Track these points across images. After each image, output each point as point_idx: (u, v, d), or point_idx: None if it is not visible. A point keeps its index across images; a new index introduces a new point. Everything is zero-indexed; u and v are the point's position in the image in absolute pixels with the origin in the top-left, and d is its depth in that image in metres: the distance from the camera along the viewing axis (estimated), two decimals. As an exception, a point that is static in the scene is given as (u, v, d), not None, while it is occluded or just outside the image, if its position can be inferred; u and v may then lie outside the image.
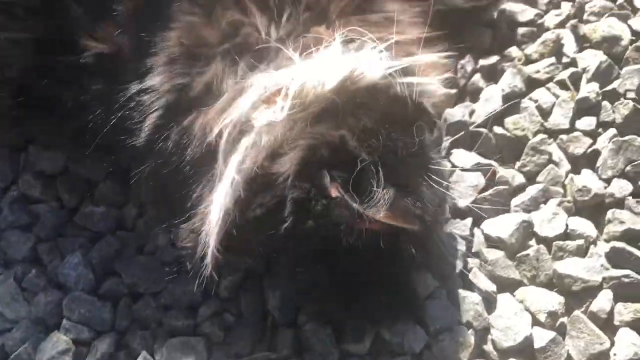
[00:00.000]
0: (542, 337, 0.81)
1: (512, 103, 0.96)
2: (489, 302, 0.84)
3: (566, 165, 0.94)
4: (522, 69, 0.99)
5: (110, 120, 0.75)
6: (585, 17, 1.04)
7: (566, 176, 0.93)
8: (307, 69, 0.73)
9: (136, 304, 0.86)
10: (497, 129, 0.95)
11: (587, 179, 0.91)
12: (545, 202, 0.91)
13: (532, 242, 0.88)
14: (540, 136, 0.94)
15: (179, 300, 0.85)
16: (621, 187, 0.90)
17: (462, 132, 0.94)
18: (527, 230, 0.88)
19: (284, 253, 0.73)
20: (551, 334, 0.81)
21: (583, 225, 0.88)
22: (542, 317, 0.83)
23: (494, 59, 1.00)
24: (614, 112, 0.95)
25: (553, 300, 0.84)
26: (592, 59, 0.99)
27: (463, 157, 0.93)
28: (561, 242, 0.87)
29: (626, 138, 0.92)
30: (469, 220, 0.89)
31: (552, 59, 1.00)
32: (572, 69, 0.99)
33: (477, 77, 1.00)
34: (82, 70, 0.77)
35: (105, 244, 0.89)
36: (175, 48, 0.73)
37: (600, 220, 0.89)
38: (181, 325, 0.84)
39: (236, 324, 0.84)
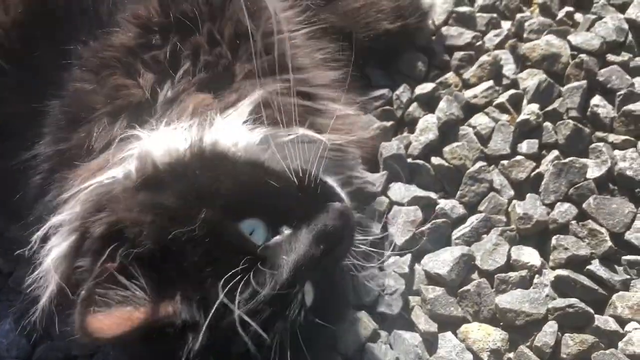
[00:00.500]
0: (485, 378, 0.78)
1: (449, 131, 0.94)
2: (430, 343, 0.82)
3: (509, 192, 0.91)
4: (459, 94, 0.97)
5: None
6: (525, 35, 1.02)
7: (509, 203, 0.90)
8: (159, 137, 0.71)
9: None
10: (435, 160, 0.93)
11: (530, 205, 0.88)
12: (487, 232, 0.88)
13: (475, 275, 0.85)
14: (480, 164, 0.92)
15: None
16: (564, 212, 0.87)
17: (399, 165, 0.92)
18: (467, 264, 0.86)
19: None
20: (494, 374, 0.78)
21: (527, 255, 0.86)
22: (484, 356, 0.80)
23: (430, 86, 0.98)
24: (555, 132, 0.93)
25: (496, 337, 0.81)
26: (532, 79, 0.97)
27: (400, 192, 0.91)
28: (503, 275, 0.84)
29: (567, 160, 0.89)
30: (407, 257, 0.87)
31: (491, 82, 0.98)
32: (512, 91, 0.97)
33: (413, 107, 0.98)
34: None
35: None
36: (61, 116, 0.73)
37: (545, 248, 0.87)
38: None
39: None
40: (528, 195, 0.90)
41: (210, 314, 0.58)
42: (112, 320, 0.58)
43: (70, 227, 0.68)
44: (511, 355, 0.81)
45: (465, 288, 0.84)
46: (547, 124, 0.94)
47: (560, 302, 0.81)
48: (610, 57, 0.96)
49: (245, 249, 0.61)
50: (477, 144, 0.94)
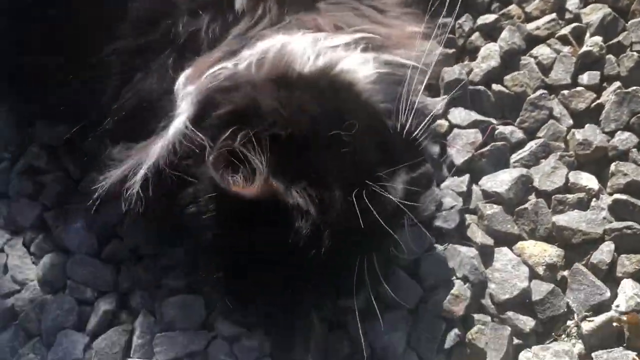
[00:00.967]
0: (540, 290, 0.80)
1: (511, 60, 0.95)
2: (486, 256, 0.83)
3: (568, 121, 0.92)
4: (522, 26, 0.98)
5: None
6: (590, -30, 1.01)
7: (568, 131, 0.91)
8: (296, 41, 0.75)
9: (137, 265, 0.88)
10: (496, 87, 0.94)
11: (590, 133, 0.89)
12: (545, 157, 0.89)
13: (532, 196, 0.87)
14: (540, 91, 0.92)
15: (177, 262, 0.87)
16: (625, 140, 0.87)
17: (460, 91, 0.93)
18: (526, 185, 0.87)
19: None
20: (549, 286, 0.80)
21: (585, 179, 0.86)
22: (540, 270, 0.81)
23: (492, 17, 0.99)
24: (618, 65, 0.93)
25: (552, 253, 0.82)
26: (595, 14, 0.97)
27: (460, 115, 0.92)
28: (561, 196, 0.85)
29: (630, 89, 0.89)
30: (465, 177, 0.88)
31: (554, 15, 0.98)
32: (574, 24, 0.97)
33: (475, 36, 0.99)
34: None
35: (108, 209, 0.91)
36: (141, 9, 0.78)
37: (603, 174, 0.87)
38: (179, 285, 0.85)
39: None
40: (587, 125, 0.91)
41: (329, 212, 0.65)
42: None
43: (195, 98, 0.71)
44: (566, 273, 0.82)
45: (522, 207, 0.85)
46: (610, 57, 0.93)
47: (618, 224, 0.82)
48: (678, -9, 0.95)
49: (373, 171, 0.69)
50: (539, 73, 0.94)
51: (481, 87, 0.94)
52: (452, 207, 0.86)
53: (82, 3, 0.80)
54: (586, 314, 0.78)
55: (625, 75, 0.92)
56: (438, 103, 0.92)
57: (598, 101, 0.92)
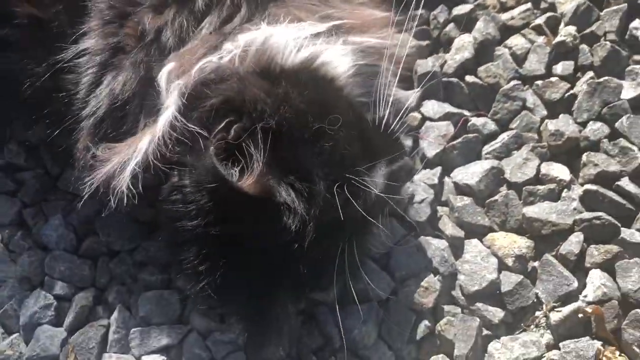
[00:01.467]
0: (509, 281, 0.81)
1: (485, 51, 0.95)
2: (456, 248, 0.84)
3: (542, 111, 0.92)
4: (497, 16, 0.98)
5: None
6: (566, -42, 1.00)
7: (542, 122, 0.91)
8: (278, 34, 0.76)
9: (113, 261, 0.89)
10: (469, 78, 0.94)
11: (562, 123, 0.89)
12: (517, 149, 0.90)
13: (503, 188, 0.87)
14: (514, 82, 0.92)
15: (153, 257, 0.88)
16: (596, 130, 0.88)
17: (433, 83, 0.93)
18: (497, 177, 0.87)
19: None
20: (518, 278, 0.81)
21: (556, 170, 0.87)
22: (510, 262, 0.82)
23: (467, 7, 0.99)
24: (592, 55, 0.93)
25: (522, 245, 0.83)
26: (570, 3, 0.96)
27: (433, 108, 0.93)
28: (532, 187, 0.86)
29: (602, 80, 0.89)
30: (437, 170, 0.89)
31: (529, 5, 0.98)
32: (549, 14, 0.97)
33: (450, 27, 0.99)
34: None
35: (86, 206, 0.92)
36: (107, 11, 0.78)
37: (575, 165, 0.87)
38: (155, 280, 0.87)
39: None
40: (561, 115, 0.91)
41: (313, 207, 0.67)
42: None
43: (183, 91, 0.71)
44: (536, 264, 0.82)
45: (493, 198, 0.86)
46: (584, 46, 0.93)
47: (587, 214, 0.82)
48: (653, -21, 0.95)
49: (355, 165, 0.70)
50: (513, 63, 0.94)
51: (454, 79, 0.94)
52: (423, 200, 0.86)
53: (46, 4, 0.80)
54: (554, 304, 0.79)
55: (598, 65, 0.92)
56: (411, 96, 0.92)
57: (572, 91, 0.92)
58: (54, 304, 0.87)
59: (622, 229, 0.81)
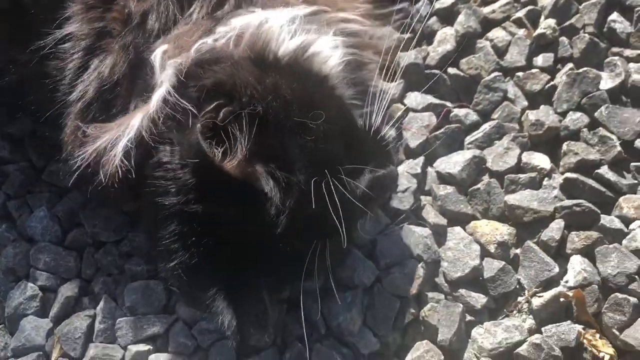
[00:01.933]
0: (491, 267, 0.82)
1: (466, 43, 0.96)
2: (439, 236, 0.85)
3: (523, 102, 0.93)
4: (478, 9, 0.99)
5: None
6: (543, -47, 1.02)
7: (522, 113, 0.93)
8: (273, 19, 0.77)
9: (98, 252, 0.89)
10: (452, 70, 0.96)
11: (543, 114, 0.90)
12: (499, 139, 0.91)
13: (485, 177, 0.88)
14: (495, 74, 0.94)
15: (138, 247, 0.88)
16: (576, 120, 0.89)
17: (416, 75, 0.95)
18: (479, 166, 0.88)
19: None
20: (501, 264, 0.82)
21: (537, 159, 0.88)
22: (492, 248, 0.83)
23: (449, 1, 1.00)
24: (571, 46, 0.95)
25: (504, 232, 0.84)
26: (550, -4, 0.98)
27: (416, 99, 0.94)
28: (513, 175, 0.87)
29: (580, 70, 0.91)
30: (420, 159, 0.90)
31: (509, -1, 1.00)
32: (529, 7, 0.99)
33: (432, 21, 1.00)
34: None
35: (71, 198, 0.93)
36: None
37: (556, 154, 0.89)
38: (141, 270, 0.87)
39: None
40: (541, 106, 0.92)
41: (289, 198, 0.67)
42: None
43: (177, 69, 0.71)
44: (518, 250, 0.84)
45: (475, 187, 0.87)
46: (563, 39, 0.95)
47: (568, 202, 0.84)
48: (630, -27, 0.97)
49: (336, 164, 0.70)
50: (494, 56, 0.96)
51: (437, 71, 0.95)
52: (406, 189, 0.87)
53: None
54: (536, 289, 0.80)
55: (578, 56, 0.94)
56: (394, 87, 0.93)
57: (552, 83, 0.94)
58: (39, 295, 0.87)
59: (602, 215, 0.82)
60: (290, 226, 0.69)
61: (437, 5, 1.00)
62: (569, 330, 0.76)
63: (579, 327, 0.76)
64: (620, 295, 0.77)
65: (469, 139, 0.91)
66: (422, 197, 0.88)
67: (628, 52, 0.93)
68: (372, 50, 0.92)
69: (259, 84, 0.70)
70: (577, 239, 0.82)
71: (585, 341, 0.76)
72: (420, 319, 0.81)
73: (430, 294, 0.82)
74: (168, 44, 0.74)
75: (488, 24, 0.99)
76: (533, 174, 0.87)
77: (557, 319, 0.78)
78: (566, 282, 0.80)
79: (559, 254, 0.82)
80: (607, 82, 0.90)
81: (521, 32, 0.97)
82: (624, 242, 0.81)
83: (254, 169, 0.68)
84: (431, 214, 0.86)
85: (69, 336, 0.84)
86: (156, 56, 0.73)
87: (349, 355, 0.80)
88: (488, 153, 0.89)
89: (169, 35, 0.76)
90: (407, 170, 0.89)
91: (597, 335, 0.76)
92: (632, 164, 0.86)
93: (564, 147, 0.88)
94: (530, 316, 0.80)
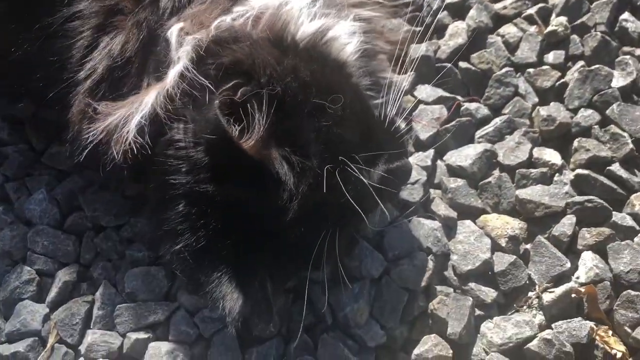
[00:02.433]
0: (502, 262, 0.80)
1: (478, 38, 0.96)
2: (449, 229, 0.83)
3: (533, 98, 0.93)
4: (489, 5, 0.99)
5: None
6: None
7: (533, 108, 0.92)
8: (293, 1, 0.76)
9: (98, 236, 0.87)
10: (463, 64, 0.95)
11: (554, 110, 0.90)
12: (510, 133, 0.90)
13: (495, 171, 0.87)
14: (506, 69, 0.93)
15: (140, 233, 0.86)
16: (587, 116, 0.89)
17: (427, 67, 0.94)
18: (490, 159, 0.87)
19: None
20: (511, 258, 0.80)
21: (548, 154, 0.87)
22: (503, 242, 0.82)
23: (460, -4, 0.99)
24: (582, 45, 0.94)
25: (515, 226, 0.83)
26: (562, -5, 0.98)
27: (426, 92, 0.93)
28: (525, 170, 0.86)
29: (592, 67, 0.90)
30: (430, 152, 0.88)
31: (521, -5, 0.99)
32: (540, 5, 0.98)
33: (443, 14, 0.99)
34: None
35: (71, 181, 0.90)
36: None
37: (566, 150, 0.88)
38: (142, 256, 0.84)
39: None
40: (552, 102, 0.92)
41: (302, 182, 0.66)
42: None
43: (196, 46, 0.69)
44: (528, 245, 0.82)
45: (486, 181, 0.86)
46: (574, 37, 0.95)
47: (579, 198, 0.83)
48: (642, -27, 0.97)
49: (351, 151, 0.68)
50: (505, 51, 0.95)
51: (447, 64, 0.94)
52: (416, 181, 0.86)
53: None
54: (547, 285, 0.79)
55: (589, 54, 0.93)
56: (405, 79, 0.92)
57: (563, 80, 0.93)
58: (36, 279, 0.84)
59: (613, 212, 0.81)
60: (302, 213, 0.67)
61: (447, 0, 0.99)
62: (580, 326, 0.75)
63: (591, 324, 0.75)
64: (633, 293, 0.76)
65: (479, 132, 0.90)
66: (432, 190, 0.87)
67: (639, 52, 0.93)
68: (384, 39, 0.91)
69: (278, 64, 0.69)
70: (588, 235, 0.81)
71: (597, 338, 0.75)
72: (428, 312, 0.79)
73: (439, 287, 0.80)
74: (184, 21, 0.72)
75: (499, 19, 0.98)
76: (544, 169, 0.86)
77: (567, 315, 0.77)
78: (577, 278, 0.79)
79: (570, 249, 0.81)
80: (619, 80, 0.90)
81: (532, 28, 0.97)
82: (636, 239, 0.80)
83: (269, 151, 0.66)
84: (441, 207, 0.84)
85: (67, 322, 0.81)
86: (172, 33, 0.71)
87: (354, 347, 0.77)
88: (499, 147, 0.88)
89: (184, 13, 0.74)
90: (417, 162, 0.88)
91: (610, 332, 0.75)
92: (644, 162, 0.85)
93: (575, 143, 0.87)
94: (541, 312, 0.79)
